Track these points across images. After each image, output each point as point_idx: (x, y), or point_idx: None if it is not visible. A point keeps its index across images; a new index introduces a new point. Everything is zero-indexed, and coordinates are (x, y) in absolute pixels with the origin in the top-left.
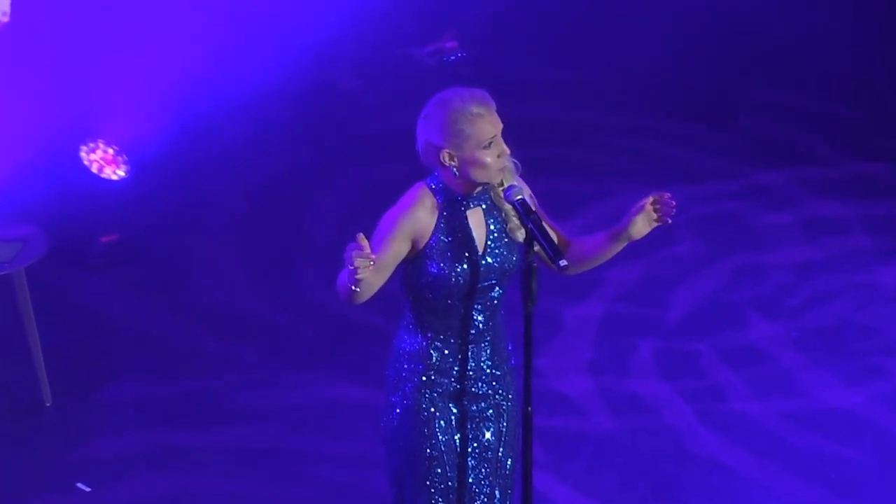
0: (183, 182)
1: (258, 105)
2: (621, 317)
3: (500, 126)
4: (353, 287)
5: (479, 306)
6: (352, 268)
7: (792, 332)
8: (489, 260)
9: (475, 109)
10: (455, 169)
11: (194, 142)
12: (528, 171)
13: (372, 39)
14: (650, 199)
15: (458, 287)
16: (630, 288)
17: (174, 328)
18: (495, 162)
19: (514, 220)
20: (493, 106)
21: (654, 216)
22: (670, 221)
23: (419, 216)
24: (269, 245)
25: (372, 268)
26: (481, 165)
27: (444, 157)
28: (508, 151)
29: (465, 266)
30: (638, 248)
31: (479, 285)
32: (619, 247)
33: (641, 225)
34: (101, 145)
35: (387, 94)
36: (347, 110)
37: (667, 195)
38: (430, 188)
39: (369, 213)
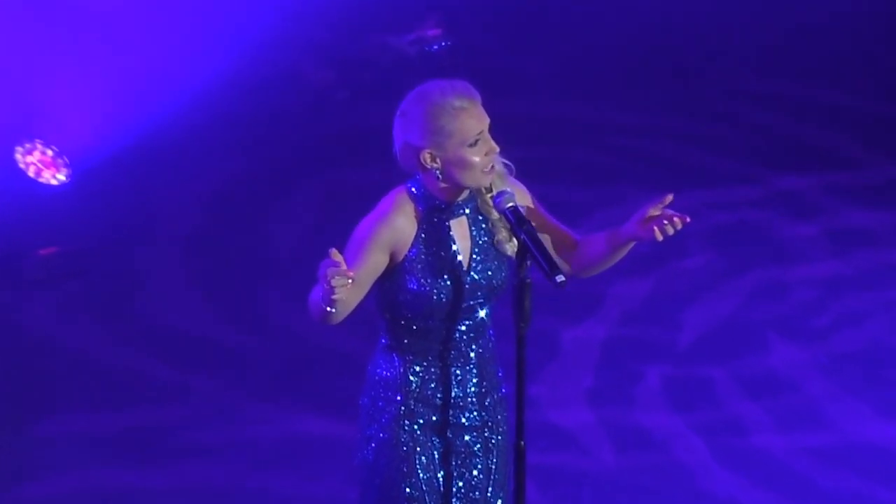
0: (130, 187)
1: (212, 99)
2: (626, 339)
3: (487, 121)
4: (329, 308)
5: (464, 327)
6: (328, 287)
7: (819, 356)
8: (475, 276)
9: (457, 103)
10: (438, 171)
11: (142, 142)
12: (520, 174)
13: (344, 25)
14: (670, 198)
15: (440, 305)
16: (636, 306)
17: (120, 353)
18: (483, 161)
19: (504, 232)
20: (478, 99)
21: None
22: (661, 238)
23: (398, 225)
24: (227, 259)
25: (350, 286)
26: (467, 166)
27: (426, 158)
28: (497, 149)
29: (447, 282)
30: (646, 262)
31: (464, 304)
32: (627, 247)
33: (644, 226)
34: (39, 146)
35: (360, 87)
36: (315, 106)
37: (686, 219)
38: (410, 194)
39: (340, 223)
